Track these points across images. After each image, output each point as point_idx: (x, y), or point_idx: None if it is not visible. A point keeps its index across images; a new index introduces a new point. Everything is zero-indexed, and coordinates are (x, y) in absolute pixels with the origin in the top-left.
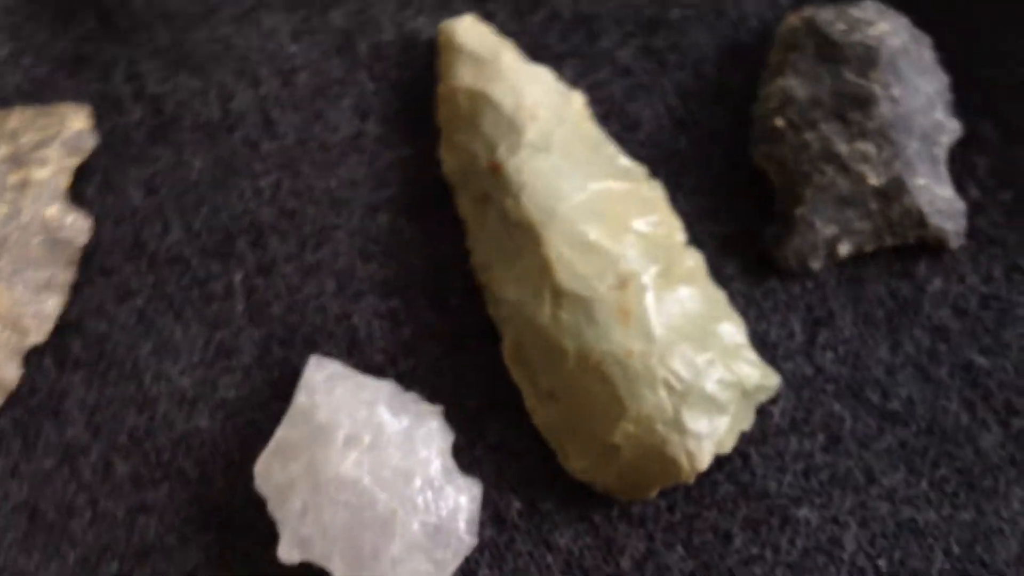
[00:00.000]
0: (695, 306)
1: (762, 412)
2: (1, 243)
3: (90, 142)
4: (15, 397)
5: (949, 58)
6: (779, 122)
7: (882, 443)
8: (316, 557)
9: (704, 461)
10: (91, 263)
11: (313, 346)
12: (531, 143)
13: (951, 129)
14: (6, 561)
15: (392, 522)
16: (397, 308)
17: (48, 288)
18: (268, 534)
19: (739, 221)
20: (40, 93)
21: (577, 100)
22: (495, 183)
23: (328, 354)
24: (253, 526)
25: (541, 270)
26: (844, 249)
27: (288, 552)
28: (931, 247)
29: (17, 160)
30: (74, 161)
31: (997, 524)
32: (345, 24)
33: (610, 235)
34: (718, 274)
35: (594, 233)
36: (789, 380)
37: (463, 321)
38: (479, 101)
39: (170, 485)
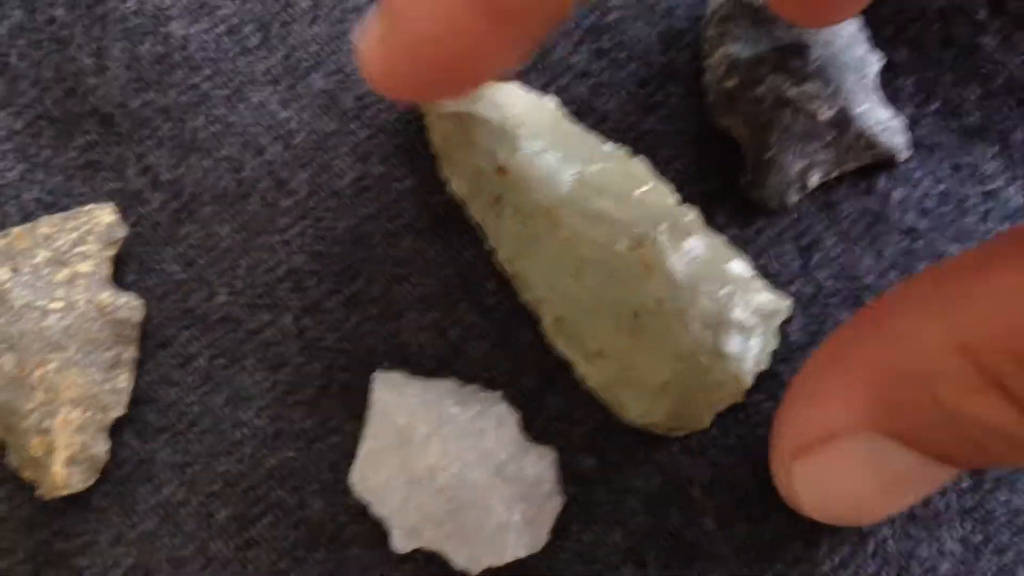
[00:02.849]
0: (704, 251)
1: (781, 332)
2: (67, 333)
3: (121, 232)
4: (106, 470)
5: None
6: (730, 84)
7: None
8: (427, 542)
9: (748, 379)
10: (149, 339)
11: (371, 366)
12: (526, 144)
13: (875, 60)
14: None
15: (487, 496)
16: (438, 318)
17: (117, 366)
18: (373, 539)
19: (717, 177)
20: (60, 202)
21: (551, 103)
22: (504, 184)
23: (386, 370)
24: (358, 535)
25: (563, 249)
26: (813, 180)
27: (402, 543)
28: (884, 163)
29: (59, 261)
30: (111, 252)
31: None
32: (326, 85)
33: (616, 206)
34: (712, 224)
35: (601, 206)
36: (797, 301)
37: (502, 315)
38: (467, 121)
39: (272, 516)
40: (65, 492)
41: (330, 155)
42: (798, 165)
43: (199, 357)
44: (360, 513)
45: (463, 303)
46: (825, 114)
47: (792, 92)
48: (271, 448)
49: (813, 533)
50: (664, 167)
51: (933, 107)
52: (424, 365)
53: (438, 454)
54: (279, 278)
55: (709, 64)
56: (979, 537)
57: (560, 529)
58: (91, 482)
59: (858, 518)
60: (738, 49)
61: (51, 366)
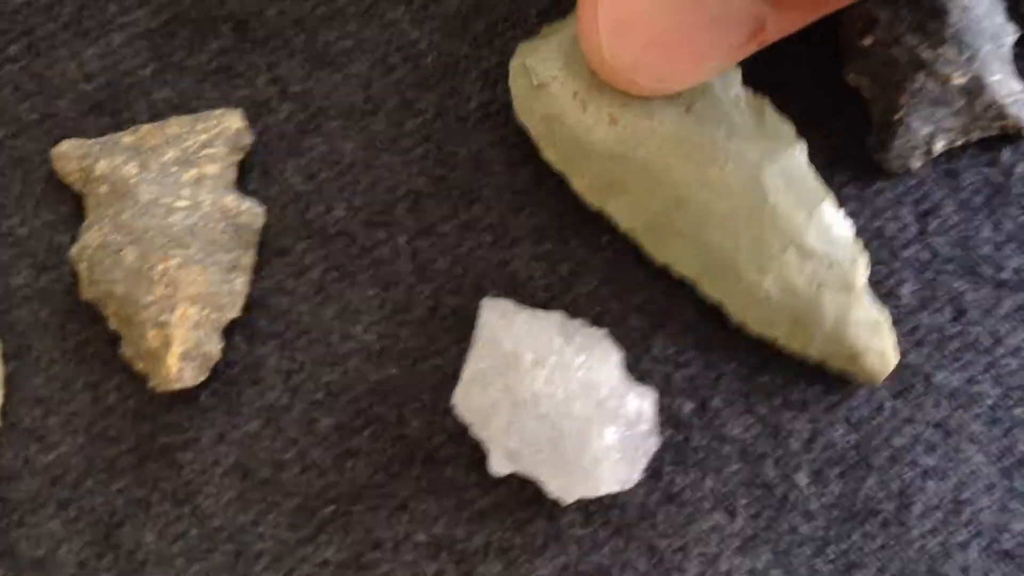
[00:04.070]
0: None
1: (891, 295)
2: (190, 232)
3: (248, 139)
4: (216, 370)
5: None
6: (867, 41)
7: (1002, 309)
8: (524, 467)
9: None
10: (266, 246)
11: (480, 292)
12: None
13: (1011, 31)
14: (225, 521)
15: (588, 428)
16: (552, 250)
17: (236, 269)
18: (468, 461)
19: (841, 134)
20: (190, 104)
21: None
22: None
23: (495, 297)
24: (454, 456)
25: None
26: (938, 146)
27: (499, 464)
28: (1011, 136)
29: (187, 160)
30: (237, 157)
31: None
32: (460, 7)
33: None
34: (831, 182)
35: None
36: (911, 265)
37: (614, 253)
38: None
39: (372, 430)
40: (176, 386)
41: (459, 79)
42: (925, 130)
43: (314, 269)
44: (458, 435)
45: (576, 238)
46: (958, 80)
47: (927, 55)
48: (376, 364)
49: (905, 497)
50: (791, 120)
51: None
52: (533, 296)
53: (543, 381)
54: (398, 198)
55: (846, 19)
56: None
57: (654, 469)
58: (202, 379)
59: (664, 69)
60: (876, 7)
61: (173, 262)
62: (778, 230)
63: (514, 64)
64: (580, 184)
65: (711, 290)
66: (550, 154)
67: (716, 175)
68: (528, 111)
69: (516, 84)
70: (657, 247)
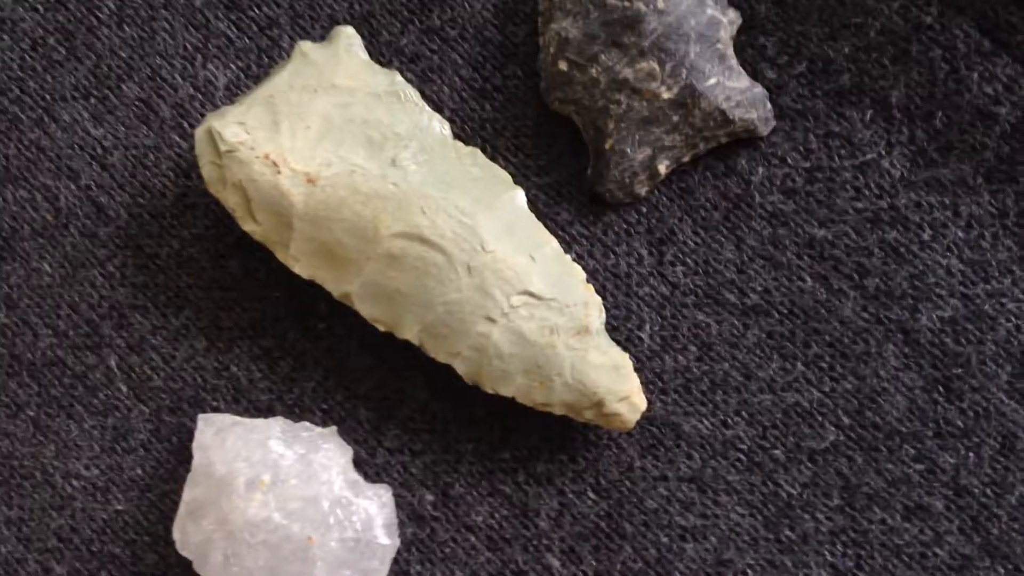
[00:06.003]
0: None
1: (631, 339)
2: None
3: None
4: None
5: None
6: (563, 65)
7: (750, 339)
8: None
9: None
10: None
11: (201, 405)
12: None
13: (729, 21)
14: None
15: (310, 548)
16: (270, 346)
17: None
18: None
19: (562, 169)
20: None
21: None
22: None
23: (216, 408)
24: None
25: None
26: (663, 167)
27: None
28: (744, 140)
29: None
30: None
31: (879, 385)
32: (140, 93)
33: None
34: (556, 221)
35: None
36: (649, 303)
37: (336, 341)
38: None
39: (108, 572)
40: None
41: (150, 172)
42: (642, 153)
43: (28, 406)
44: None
45: (294, 329)
46: (667, 94)
47: (627, 72)
48: (102, 501)
49: (663, 565)
50: (504, 159)
51: (799, 69)
52: (256, 402)
53: (258, 506)
54: (103, 315)
55: (541, 42)
56: (850, 562)
57: (398, 572)
58: None
59: None
60: (567, 25)
61: None
62: (502, 278)
63: (199, 132)
64: (286, 255)
65: (438, 352)
66: (250, 226)
67: (428, 227)
68: (219, 182)
69: (203, 154)
70: (377, 312)
